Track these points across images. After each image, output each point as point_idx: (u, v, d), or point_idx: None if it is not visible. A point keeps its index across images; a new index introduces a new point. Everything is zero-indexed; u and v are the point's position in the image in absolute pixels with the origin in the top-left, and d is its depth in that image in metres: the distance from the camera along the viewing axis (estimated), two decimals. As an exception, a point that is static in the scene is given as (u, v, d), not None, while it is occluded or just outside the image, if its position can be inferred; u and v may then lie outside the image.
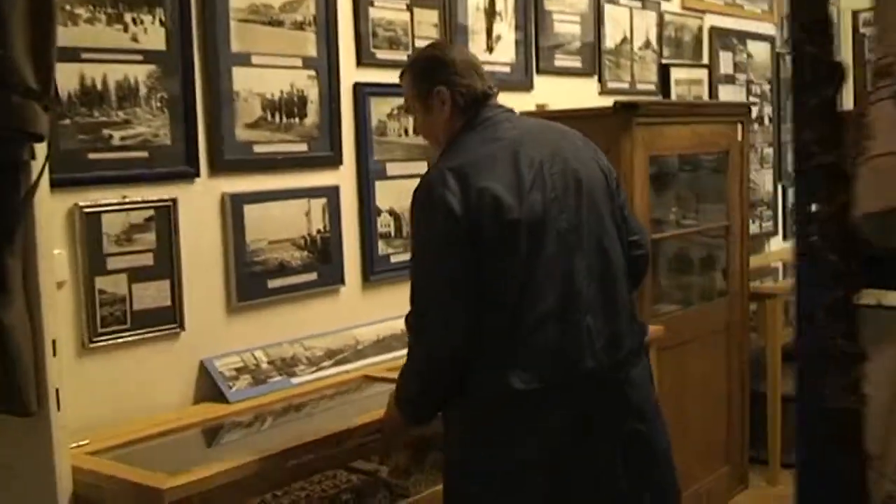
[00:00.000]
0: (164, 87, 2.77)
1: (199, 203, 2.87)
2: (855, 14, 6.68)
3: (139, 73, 2.70)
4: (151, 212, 2.74)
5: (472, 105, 2.36)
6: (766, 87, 5.74)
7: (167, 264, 2.78)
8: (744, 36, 5.55)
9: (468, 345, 2.19)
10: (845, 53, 6.67)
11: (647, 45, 4.76)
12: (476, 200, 2.16)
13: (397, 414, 2.42)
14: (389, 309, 3.41)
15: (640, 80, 4.71)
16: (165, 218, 2.77)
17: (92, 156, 2.61)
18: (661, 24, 4.85)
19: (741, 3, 5.53)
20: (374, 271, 3.38)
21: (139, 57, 2.70)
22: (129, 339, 2.70)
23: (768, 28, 5.82)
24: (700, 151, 4.29)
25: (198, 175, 2.86)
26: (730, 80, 5.41)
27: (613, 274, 2.32)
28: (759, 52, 5.70)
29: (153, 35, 2.73)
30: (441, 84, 2.36)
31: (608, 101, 4.41)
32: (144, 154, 2.73)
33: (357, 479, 2.74)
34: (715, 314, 4.30)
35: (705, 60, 5.24)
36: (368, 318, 3.32)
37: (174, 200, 2.79)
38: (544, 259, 2.20)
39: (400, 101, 3.42)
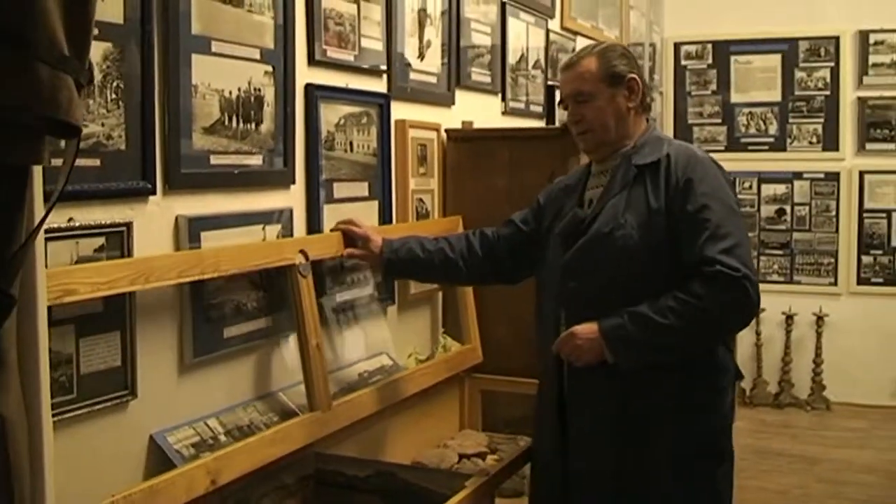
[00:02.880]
0: (121, 73, 2.07)
1: (153, 228, 2.18)
2: (677, 46, 6.79)
3: (94, 53, 1.99)
4: (102, 240, 2.03)
5: (650, 102, 2.53)
6: (618, 115, 5.61)
7: (119, 311, 2.08)
8: (603, 61, 5.39)
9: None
10: (667, 82, 6.76)
11: (538, 64, 4.44)
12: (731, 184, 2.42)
13: (599, 345, 2.31)
14: (338, 357, 2.85)
15: (533, 100, 4.39)
16: (118, 247, 2.07)
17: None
18: (547, 43, 4.56)
19: (601, 27, 5.37)
20: (323, 313, 2.79)
21: (95, 31, 1.99)
22: (76, 413, 1.98)
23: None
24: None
25: (154, 192, 2.18)
26: (593, 105, 5.22)
27: None
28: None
29: (110, 3, 2.04)
30: (635, 73, 2.44)
31: (511, 122, 4.10)
32: (96, 162, 2.02)
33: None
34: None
35: (576, 84, 5.01)
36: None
37: (129, 225, 2.10)
38: None
39: (350, 108, 2.90)
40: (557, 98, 2.60)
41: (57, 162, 1.46)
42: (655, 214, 2.30)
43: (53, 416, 1.89)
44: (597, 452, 2.41)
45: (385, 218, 3.12)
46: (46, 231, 1.88)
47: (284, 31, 2.59)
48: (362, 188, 3.02)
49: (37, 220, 1.43)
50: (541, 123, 4.41)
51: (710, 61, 6.73)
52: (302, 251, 2.46)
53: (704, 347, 2.35)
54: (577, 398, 2.45)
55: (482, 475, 2.40)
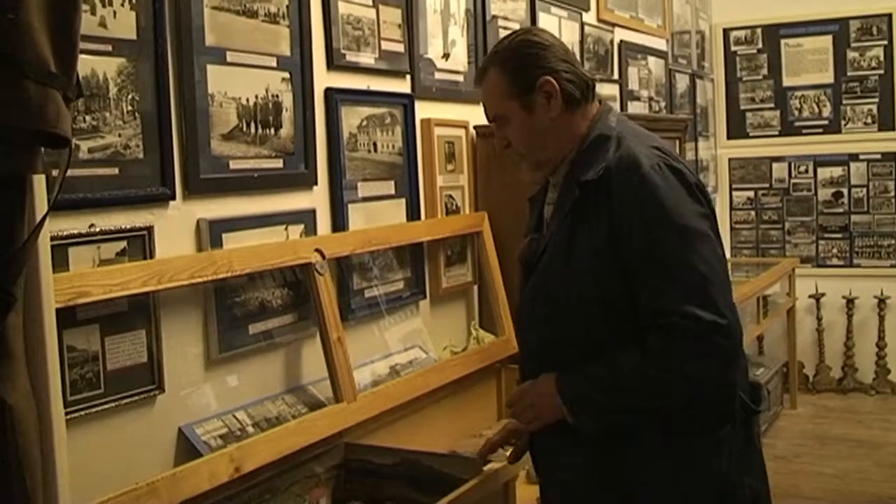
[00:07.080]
0: (136, 86, 2.19)
1: (173, 231, 2.30)
2: (726, 31, 6.75)
3: (109, 68, 2.12)
4: (123, 244, 2.16)
5: (585, 93, 1.98)
6: (663, 104, 5.62)
7: (143, 310, 2.20)
8: (644, 51, 5.40)
9: None
10: (718, 69, 6.72)
11: (572, 57, 4.48)
12: (698, 189, 1.90)
13: (558, 410, 1.91)
14: (369, 351, 2.94)
15: (569, 93, 4.42)
16: (139, 250, 2.19)
17: (55, 172, 2.01)
18: (582, 36, 4.59)
19: (641, 17, 5.38)
20: (352, 309, 2.89)
21: (108, 47, 2.12)
22: (104, 407, 2.10)
23: (662, 43, 5.70)
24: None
25: (173, 198, 2.29)
26: (635, 96, 5.23)
27: None
28: (655, 67, 5.57)
29: (123, 20, 2.15)
30: (544, 73, 1.94)
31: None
32: (115, 171, 2.15)
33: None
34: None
35: (616, 76, 5.04)
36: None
37: (149, 229, 2.22)
38: None
39: (372, 110, 2.99)
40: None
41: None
42: (601, 251, 1.86)
43: (81, 410, 2.04)
44: None
45: (413, 215, 3.21)
46: (68, 237, 2.02)
47: (301, 38, 2.69)
48: (388, 187, 3.10)
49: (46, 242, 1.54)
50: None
51: (759, 46, 6.67)
52: (318, 250, 2.56)
53: (682, 404, 1.86)
54: (544, 464, 2.11)
55: (502, 460, 2.46)
